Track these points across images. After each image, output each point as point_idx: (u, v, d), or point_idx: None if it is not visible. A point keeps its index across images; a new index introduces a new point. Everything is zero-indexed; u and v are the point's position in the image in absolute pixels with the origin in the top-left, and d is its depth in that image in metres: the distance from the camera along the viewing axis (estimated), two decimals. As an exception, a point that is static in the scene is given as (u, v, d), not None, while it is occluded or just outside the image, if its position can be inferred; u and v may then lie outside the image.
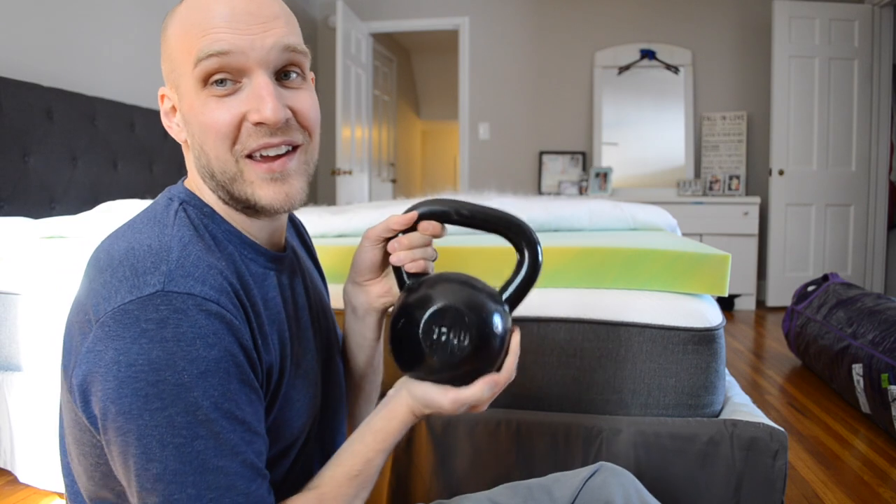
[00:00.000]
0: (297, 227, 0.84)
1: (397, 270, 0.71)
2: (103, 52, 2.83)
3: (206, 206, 0.63)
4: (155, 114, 2.98)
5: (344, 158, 4.24)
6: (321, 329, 0.75)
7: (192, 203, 0.62)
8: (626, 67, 4.54)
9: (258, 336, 0.58)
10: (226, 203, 0.63)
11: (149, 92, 3.06)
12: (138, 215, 0.61)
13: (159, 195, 0.65)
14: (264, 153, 0.60)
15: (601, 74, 4.58)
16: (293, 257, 0.72)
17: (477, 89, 4.78)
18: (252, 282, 0.61)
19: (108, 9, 2.86)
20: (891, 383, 1.89)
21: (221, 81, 0.58)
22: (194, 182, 0.65)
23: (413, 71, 7.51)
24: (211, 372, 0.51)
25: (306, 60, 0.63)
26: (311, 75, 0.65)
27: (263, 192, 0.60)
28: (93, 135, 2.58)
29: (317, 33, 4.97)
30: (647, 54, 4.50)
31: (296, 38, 0.62)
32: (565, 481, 0.80)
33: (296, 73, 0.62)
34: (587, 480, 0.79)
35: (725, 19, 4.43)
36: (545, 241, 1.22)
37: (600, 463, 0.82)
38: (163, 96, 0.64)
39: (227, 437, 0.52)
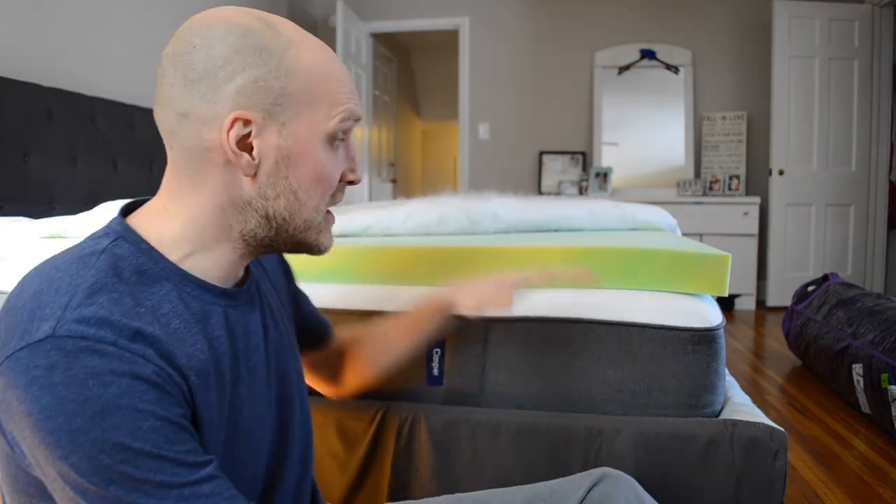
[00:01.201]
0: (283, 262, 0.84)
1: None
2: (103, 52, 2.83)
3: (144, 242, 0.58)
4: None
5: (344, 158, 4.24)
6: (278, 369, 0.71)
7: (127, 239, 0.58)
8: (626, 67, 4.54)
9: (178, 381, 0.54)
10: (245, 242, 0.62)
11: (149, 92, 3.06)
12: (71, 247, 0.58)
13: (101, 227, 0.61)
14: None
15: (601, 74, 4.58)
16: (254, 293, 0.69)
17: (477, 89, 4.78)
18: (193, 322, 0.58)
19: (108, 9, 2.86)
20: (891, 383, 1.89)
21: (340, 140, 0.63)
22: (164, 212, 0.61)
23: (413, 71, 7.51)
24: (109, 410, 0.47)
25: None
26: None
27: (325, 238, 0.67)
28: (93, 135, 2.58)
29: (317, 33, 4.97)
30: (647, 54, 4.51)
31: None
32: (561, 495, 0.76)
33: None
34: (588, 492, 0.75)
35: (725, 19, 4.43)
36: (545, 241, 1.22)
37: (602, 470, 0.78)
38: (238, 119, 0.57)
39: (146, 477, 0.49)
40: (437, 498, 0.85)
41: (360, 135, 4.64)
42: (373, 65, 5.02)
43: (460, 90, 4.79)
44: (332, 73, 0.61)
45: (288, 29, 0.60)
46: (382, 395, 1.12)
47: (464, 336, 1.08)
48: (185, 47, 0.58)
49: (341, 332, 0.95)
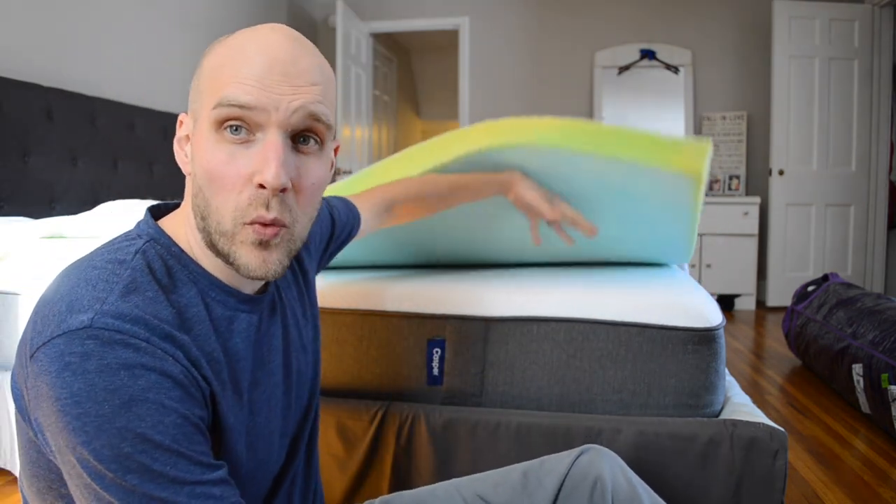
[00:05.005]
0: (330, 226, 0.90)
1: None
2: (103, 52, 2.83)
3: (175, 245, 0.61)
4: (155, 114, 2.98)
5: (344, 158, 4.24)
6: (297, 371, 0.73)
7: (159, 241, 0.60)
8: (626, 67, 4.54)
9: (202, 385, 0.56)
10: (208, 247, 0.60)
11: (149, 92, 3.06)
12: (104, 245, 0.59)
13: (133, 227, 0.62)
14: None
15: (601, 74, 4.58)
16: (274, 297, 0.70)
17: (477, 89, 4.78)
18: (212, 329, 0.60)
19: (108, 9, 2.86)
20: (891, 383, 1.89)
21: (236, 129, 0.56)
22: (182, 216, 0.63)
23: (413, 71, 7.51)
24: (136, 401, 0.49)
25: (328, 132, 0.61)
26: (334, 144, 0.67)
27: (246, 252, 0.58)
28: (93, 135, 2.58)
29: (317, 33, 4.97)
30: (647, 54, 4.50)
31: (326, 107, 0.60)
32: (553, 465, 0.82)
33: (314, 139, 0.60)
34: (576, 459, 0.81)
35: (725, 19, 4.43)
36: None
37: (588, 445, 0.84)
38: (181, 122, 0.63)
39: (163, 470, 0.50)
40: (436, 485, 0.86)
41: (361, 134, 4.64)
42: (373, 65, 5.02)
43: (460, 90, 4.79)
44: (233, 58, 0.57)
45: (240, 32, 0.60)
46: (382, 395, 1.12)
47: (464, 336, 1.08)
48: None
49: (396, 199, 1.04)
